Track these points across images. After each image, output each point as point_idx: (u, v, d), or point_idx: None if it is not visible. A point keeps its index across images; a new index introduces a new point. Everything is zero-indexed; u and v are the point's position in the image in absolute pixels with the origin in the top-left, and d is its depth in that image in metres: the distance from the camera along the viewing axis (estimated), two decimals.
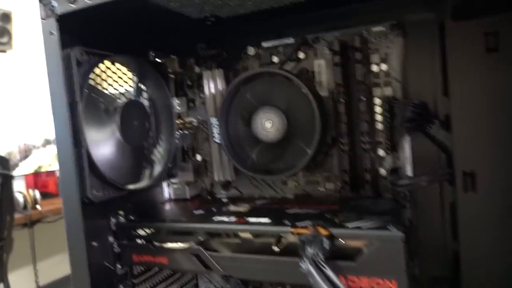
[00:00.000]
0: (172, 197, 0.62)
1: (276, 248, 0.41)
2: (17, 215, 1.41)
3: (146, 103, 0.57)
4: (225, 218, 0.45)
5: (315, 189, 0.54)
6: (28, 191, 1.60)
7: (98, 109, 0.49)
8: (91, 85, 0.47)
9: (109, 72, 0.51)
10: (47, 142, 1.91)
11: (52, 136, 1.35)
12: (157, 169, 0.57)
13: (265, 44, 0.55)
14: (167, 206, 0.59)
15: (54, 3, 0.42)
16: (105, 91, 0.51)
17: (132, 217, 0.52)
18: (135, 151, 0.54)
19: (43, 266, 1.74)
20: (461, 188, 0.45)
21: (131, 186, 0.53)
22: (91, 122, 0.47)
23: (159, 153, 0.58)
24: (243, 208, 0.51)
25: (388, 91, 0.48)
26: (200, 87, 0.59)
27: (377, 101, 0.48)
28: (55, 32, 0.42)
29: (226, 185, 0.61)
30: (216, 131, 0.54)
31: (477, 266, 0.46)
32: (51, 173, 1.82)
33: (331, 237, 0.37)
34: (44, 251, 1.74)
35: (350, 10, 0.50)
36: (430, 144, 0.48)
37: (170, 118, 0.59)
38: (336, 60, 0.49)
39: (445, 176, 0.45)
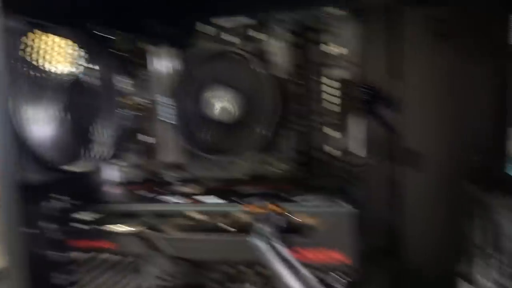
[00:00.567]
0: (119, 180, 0.59)
1: (228, 228, 0.41)
2: None
3: (90, 80, 0.53)
4: (175, 199, 0.44)
5: (267, 170, 0.54)
6: None
7: (36, 85, 0.45)
8: (25, 58, 0.43)
9: (49, 46, 0.47)
10: None
11: None
12: (101, 150, 0.54)
13: (217, 22, 0.53)
14: (113, 189, 0.56)
15: None
16: (45, 66, 0.47)
17: (74, 201, 0.49)
18: (77, 131, 0.50)
19: None
20: (407, 166, 0.48)
21: (73, 168, 0.49)
22: (27, 98, 0.43)
23: (103, 134, 0.55)
24: (194, 189, 0.50)
25: (342, 73, 0.49)
26: (148, 65, 0.56)
27: (331, 82, 0.49)
28: None
29: (176, 167, 0.59)
30: (166, 110, 0.52)
31: (419, 237, 0.49)
32: None
33: (284, 214, 0.37)
34: None
35: None
36: (380, 125, 0.50)
37: (115, 97, 0.56)
38: (292, 41, 0.49)
39: (394, 155, 0.48)
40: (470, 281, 0.45)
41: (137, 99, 0.57)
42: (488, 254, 0.37)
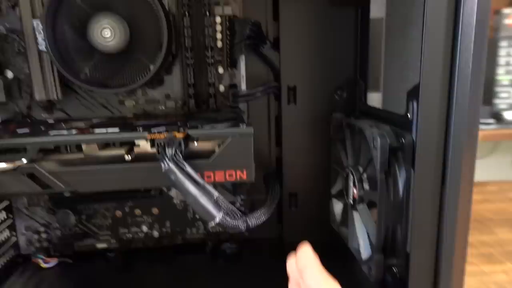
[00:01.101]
0: None
1: (127, 157, 0.40)
2: None
3: None
4: (64, 132, 0.41)
5: (155, 108, 0.53)
6: None
7: None
8: None
9: None
10: None
11: None
12: None
13: None
14: None
15: None
16: None
17: None
18: None
19: None
20: (285, 100, 0.54)
21: None
22: None
23: None
24: (80, 124, 0.46)
25: (227, 10, 0.50)
26: None
27: (218, 19, 0.50)
28: None
29: (49, 106, 0.53)
30: (40, 37, 0.46)
31: (295, 166, 0.56)
32: None
33: (187, 138, 0.38)
34: None
35: None
36: (261, 63, 0.54)
37: None
38: None
39: (274, 89, 0.53)
40: (341, 199, 0.54)
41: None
42: (358, 172, 0.45)
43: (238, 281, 0.50)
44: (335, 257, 0.54)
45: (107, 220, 0.55)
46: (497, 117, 1.08)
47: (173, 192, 0.55)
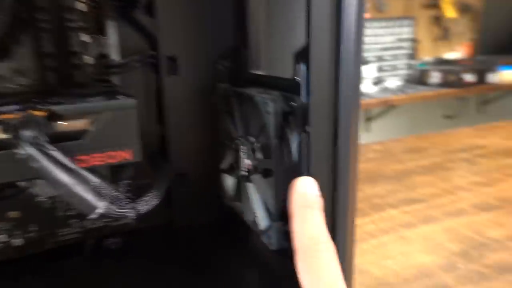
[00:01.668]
0: None
1: None
2: None
3: None
4: None
5: (3, 87, 0.43)
6: None
7: None
8: None
9: None
10: None
11: None
12: None
13: None
14: None
15: None
16: None
17: None
18: None
19: None
20: (165, 72, 0.49)
21: None
22: None
23: None
24: None
25: None
26: None
27: None
28: None
29: None
30: None
31: (182, 144, 0.52)
32: None
33: (52, 116, 0.31)
34: None
35: None
36: (134, 30, 0.48)
37: None
38: None
39: (152, 59, 0.47)
40: (232, 173, 0.52)
41: None
42: (249, 142, 0.43)
43: (126, 278, 0.45)
44: (232, 233, 0.53)
45: None
46: None
47: (37, 189, 0.45)
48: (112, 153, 0.33)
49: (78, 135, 0.33)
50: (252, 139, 0.44)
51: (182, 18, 0.48)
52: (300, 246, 0.32)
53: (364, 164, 1.22)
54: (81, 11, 0.43)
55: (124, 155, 0.33)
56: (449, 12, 2.86)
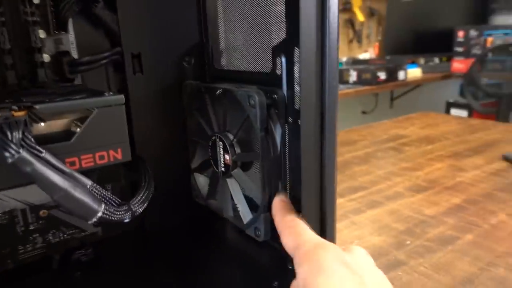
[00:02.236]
0: None
1: None
2: None
3: None
4: None
5: None
6: None
7: None
8: None
9: None
10: None
11: None
12: None
13: None
14: None
15: None
16: None
17: None
18: None
19: None
20: (130, 70, 0.46)
21: None
22: None
23: None
24: None
25: None
26: None
27: None
28: None
29: None
30: None
31: (150, 145, 0.50)
32: None
33: (35, 116, 0.28)
34: None
35: None
36: (94, 26, 0.45)
37: None
38: None
39: (115, 56, 0.45)
40: (204, 171, 0.51)
41: None
42: (228, 138, 0.43)
43: None
44: (209, 232, 0.52)
45: None
46: None
47: None
48: (103, 153, 0.31)
49: (64, 136, 0.30)
50: (230, 134, 0.44)
51: (146, 13, 0.46)
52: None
53: None
54: (38, 4, 0.39)
55: (115, 155, 0.31)
56: (360, 16, 3.11)
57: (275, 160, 0.39)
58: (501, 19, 2.86)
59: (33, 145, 0.26)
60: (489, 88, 2.27)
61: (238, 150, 0.43)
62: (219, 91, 0.43)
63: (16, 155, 0.25)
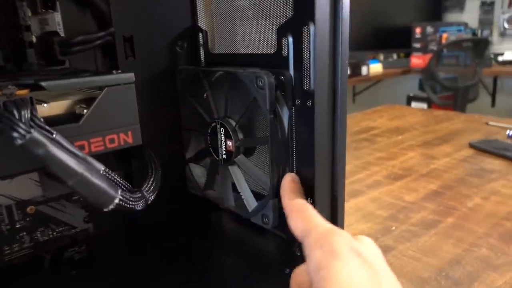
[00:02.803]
0: None
1: None
2: None
3: None
4: None
5: None
6: None
7: None
8: None
9: None
10: None
11: None
12: None
13: None
14: None
15: None
16: None
17: None
18: None
19: None
20: (122, 55, 0.44)
21: None
22: None
23: None
24: None
25: None
26: None
27: None
28: None
29: None
30: None
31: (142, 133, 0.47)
32: None
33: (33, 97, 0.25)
34: None
35: None
36: (81, 6, 0.41)
37: None
38: None
39: (108, 37, 0.41)
40: (200, 161, 0.49)
41: None
42: (230, 123, 0.42)
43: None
44: (207, 222, 0.50)
45: None
46: None
47: None
48: (113, 136, 0.28)
49: (69, 118, 0.27)
50: (231, 120, 0.42)
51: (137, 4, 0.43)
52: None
53: None
54: None
55: (125, 138, 0.29)
56: None
57: (284, 143, 0.38)
58: (453, 16, 3.01)
59: (43, 125, 0.23)
60: (446, 82, 2.38)
61: (241, 136, 0.42)
62: (219, 73, 0.42)
63: (28, 136, 0.22)
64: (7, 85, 0.24)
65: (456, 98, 2.29)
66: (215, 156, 0.44)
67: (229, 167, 0.43)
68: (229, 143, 0.42)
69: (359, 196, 0.85)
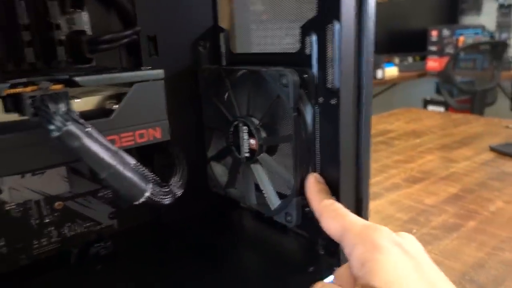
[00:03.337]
0: None
1: None
2: None
3: None
4: None
5: None
6: None
7: None
8: None
9: None
10: None
11: None
12: None
13: None
14: None
15: None
16: None
17: None
18: None
19: None
20: (146, 53, 0.44)
21: None
22: None
23: None
24: None
25: None
26: None
27: None
28: None
29: None
30: None
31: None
32: None
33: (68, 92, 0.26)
34: None
35: None
36: (107, 6, 0.42)
37: None
38: None
39: (135, 36, 0.42)
40: (222, 159, 0.49)
41: None
42: (252, 122, 0.42)
43: (118, 283, 0.39)
44: (229, 220, 0.50)
45: None
46: None
47: (4, 194, 0.37)
48: (142, 132, 0.29)
49: (100, 113, 0.28)
50: (255, 119, 0.42)
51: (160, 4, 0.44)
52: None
53: None
54: None
55: (154, 134, 0.29)
56: None
57: (307, 142, 0.38)
58: (470, 19, 2.97)
59: (78, 119, 0.24)
60: (463, 86, 2.35)
61: (263, 134, 0.42)
62: (242, 72, 0.42)
63: (64, 128, 0.23)
64: (43, 80, 0.25)
65: (473, 101, 2.25)
66: (237, 154, 0.45)
67: (252, 165, 0.43)
68: (252, 141, 0.42)
69: (378, 199, 0.84)
